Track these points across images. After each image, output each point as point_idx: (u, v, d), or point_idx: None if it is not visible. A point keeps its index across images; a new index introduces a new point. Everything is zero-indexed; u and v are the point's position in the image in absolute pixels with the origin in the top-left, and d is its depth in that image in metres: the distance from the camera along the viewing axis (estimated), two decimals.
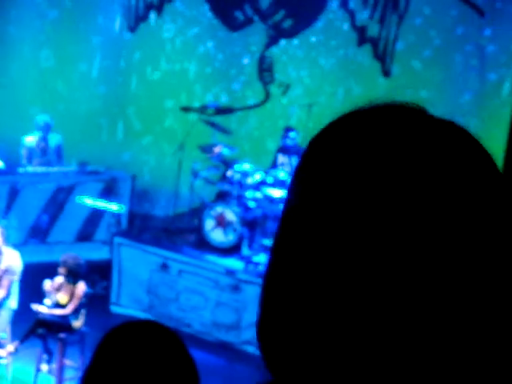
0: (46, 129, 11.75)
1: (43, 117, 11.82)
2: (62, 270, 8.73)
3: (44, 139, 11.72)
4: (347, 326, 0.88)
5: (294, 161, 10.86)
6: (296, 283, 0.92)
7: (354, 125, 0.95)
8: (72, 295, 8.73)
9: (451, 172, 0.89)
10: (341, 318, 0.88)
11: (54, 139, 11.82)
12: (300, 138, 10.95)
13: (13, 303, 8.85)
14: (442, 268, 0.87)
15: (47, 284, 8.80)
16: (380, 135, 0.91)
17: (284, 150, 10.99)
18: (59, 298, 8.73)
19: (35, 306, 8.70)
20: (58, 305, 8.72)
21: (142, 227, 11.42)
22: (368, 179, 0.89)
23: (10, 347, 8.61)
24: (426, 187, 0.88)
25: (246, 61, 12.63)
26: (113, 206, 11.54)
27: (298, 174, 0.96)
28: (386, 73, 11.83)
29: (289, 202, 0.96)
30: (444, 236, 0.87)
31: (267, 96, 12.49)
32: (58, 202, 11.50)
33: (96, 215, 11.63)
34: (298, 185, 0.95)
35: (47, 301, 8.75)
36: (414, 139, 0.90)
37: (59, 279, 8.76)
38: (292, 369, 0.92)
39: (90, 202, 11.48)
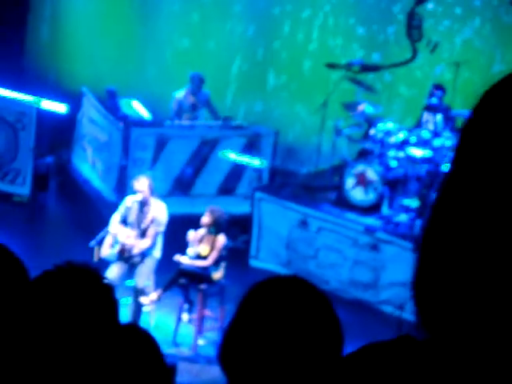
0: (198, 84, 11.87)
1: (196, 72, 11.96)
2: (207, 219, 8.87)
3: (195, 94, 11.87)
4: (495, 290, 0.86)
5: (439, 119, 10.63)
6: (450, 247, 0.90)
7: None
8: (213, 247, 8.89)
9: None
10: (490, 284, 0.86)
11: (204, 94, 11.96)
12: (447, 97, 10.70)
13: (157, 253, 9.10)
14: None
15: (191, 235, 8.99)
16: None
17: (429, 107, 10.76)
18: (201, 249, 8.91)
19: (177, 257, 8.92)
20: (199, 256, 8.91)
21: (282, 183, 11.49)
22: None
23: (154, 295, 8.87)
24: None
25: (395, 18, 12.39)
26: (255, 161, 11.64)
27: (463, 137, 0.93)
28: None
29: (452, 163, 0.93)
30: None
31: (415, 54, 12.23)
32: (201, 156, 11.68)
33: (238, 170, 11.76)
34: (461, 148, 0.92)
35: (190, 251, 8.95)
36: None
37: (202, 231, 8.94)
38: (446, 327, 0.91)
39: (233, 156, 11.62)
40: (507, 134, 0.87)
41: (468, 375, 0.89)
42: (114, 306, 2.42)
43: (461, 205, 0.90)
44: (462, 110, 10.26)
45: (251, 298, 2.02)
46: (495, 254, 0.86)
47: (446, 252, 0.91)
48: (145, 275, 9.01)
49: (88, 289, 2.36)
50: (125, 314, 8.62)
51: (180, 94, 11.88)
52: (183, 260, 8.90)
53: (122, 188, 11.03)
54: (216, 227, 8.90)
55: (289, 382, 1.95)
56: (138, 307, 8.91)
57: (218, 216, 8.93)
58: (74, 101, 12.44)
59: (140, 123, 11.79)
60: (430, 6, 12.11)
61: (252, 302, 2.01)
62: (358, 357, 1.01)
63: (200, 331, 8.85)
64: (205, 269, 8.87)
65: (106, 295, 2.40)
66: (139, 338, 2.43)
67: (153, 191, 9.09)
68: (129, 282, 9.04)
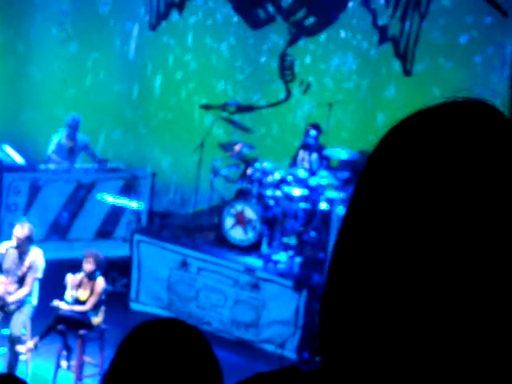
0: (75, 127, 11.72)
1: (72, 115, 11.81)
2: (90, 266, 8.74)
3: (72, 138, 11.71)
4: (395, 328, 0.89)
5: (314, 157, 10.84)
6: (355, 285, 0.93)
7: (411, 132, 0.94)
8: (92, 291, 8.76)
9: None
10: (391, 321, 0.89)
11: (82, 138, 11.82)
12: (321, 136, 10.93)
13: (34, 300, 8.90)
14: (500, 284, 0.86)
15: (69, 278, 8.84)
16: (439, 144, 0.90)
17: (305, 146, 10.98)
18: (80, 294, 8.76)
19: (56, 302, 8.73)
20: (78, 301, 8.75)
21: (161, 225, 11.44)
22: (427, 191, 0.88)
23: (30, 343, 8.65)
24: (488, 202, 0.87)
25: (267, 59, 12.61)
26: (133, 204, 11.56)
27: (360, 181, 0.96)
28: (407, 72, 11.78)
29: (351, 203, 0.96)
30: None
31: (288, 94, 12.47)
32: (78, 199, 11.53)
33: (116, 212, 11.65)
34: (360, 188, 0.95)
35: (68, 296, 8.78)
36: (480, 146, 0.89)
37: (80, 275, 8.80)
38: (343, 358, 0.93)
39: (111, 199, 11.51)
40: (403, 178, 0.90)
41: None
42: None
43: (359, 247, 0.93)
44: (334, 149, 10.49)
45: (129, 343, 2.00)
46: (394, 292, 0.89)
47: (349, 288, 0.93)
48: (21, 323, 8.77)
49: None
50: (0, 364, 8.36)
51: (58, 137, 11.69)
52: (61, 306, 8.71)
53: None
54: (99, 271, 8.81)
55: None
56: (14, 356, 8.66)
57: (101, 259, 8.85)
58: None
59: (13, 168, 11.56)
60: (301, 46, 12.38)
61: (130, 346, 1.99)
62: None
63: (80, 378, 8.66)
64: (84, 314, 8.71)
65: None
66: None
67: (32, 238, 8.93)
68: (4, 331, 8.78)
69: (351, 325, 0.92)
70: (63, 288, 8.84)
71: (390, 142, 0.95)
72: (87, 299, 8.73)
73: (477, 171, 0.87)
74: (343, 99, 11.70)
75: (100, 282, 8.78)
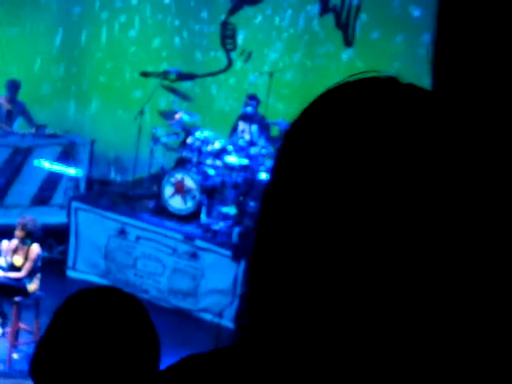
0: (15, 90, 11.53)
1: (12, 79, 11.63)
2: (20, 233, 8.65)
3: (11, 101, 11.52)
4: (323, 306, 0.89)
5: (254, 128, 10.84)
6: (278, 260, 0.92)
7: (329, 106, 0.95)
8: (27, 257, 8.67)
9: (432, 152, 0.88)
10: (314, 293, 0.89)
11: (20, 103, 11.64)
12: (261, 106, 10.93)
13: None
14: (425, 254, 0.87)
15: (4, 244, 8.73)
16: (356, 115, 0.91)
17: (245, 117, 10.97)
18: (15, 260, 8.67)
19: None
20: (13, 267, 8.66)
21: (100, 192, 11.34)
22: (344, 163, 0.89)
23: None
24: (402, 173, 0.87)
25: (208, 27, 12.53)
26: (71, 170, 11.43)
27: (279, 154, 0.96)
28: (349, 43, 11.81)
29: (270, 179, 0.96)
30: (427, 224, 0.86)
31: (229, 63, 12.42)
32: (14, 165, 11.36)
33: (53, 179, 11.51)
34: (279, 164, 0.95)
35: (2, 261, 8.68)
36: (392, 116, 0.90)
37: (15, 241, 8.71)
38: (271, 334, 0.93)
39: (48, 165, 11.36)
40: (323, 146, 0.91)
41: (281, 374, 0.91)
42: None
43: (281, 214, 0.92)
44: (276, 120, 10.50)
45: (65, 310, 1.98)
46: (317, 261, 0.88)
47: (272, 261, 0.93)
48: None
49: None
50: None
51: None
52: None
53: None
54: (31, 238, 8.70)
55: None
56: None
57: (30, 227, 8.73)
58: None
59: None
60: (243, 15, 12.32)
61: (65, 314, 1.98)
62: (176, 369, 1.01)
63: (14, 345, 8.58)
64: (19, 280, 8.62)
65: None
66: None
67: None
68: None
69: (275, 297, 0.92)
70: None
71: (307, 114, 0.96)
72: (22, 265, 8.65)
73: (388, 144, 0.88)
74: (284, 69, 11.69)
75: (34, 249, 8.69)
